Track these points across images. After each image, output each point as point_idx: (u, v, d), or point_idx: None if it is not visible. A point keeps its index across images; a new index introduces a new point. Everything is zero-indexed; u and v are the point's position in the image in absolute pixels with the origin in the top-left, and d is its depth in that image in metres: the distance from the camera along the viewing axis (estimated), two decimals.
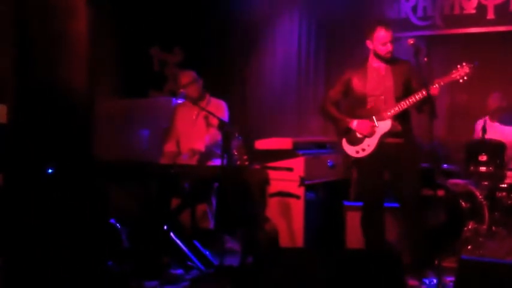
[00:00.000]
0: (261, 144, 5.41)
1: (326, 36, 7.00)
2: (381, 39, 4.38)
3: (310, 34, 7.04)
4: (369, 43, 4.46)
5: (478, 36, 6.29)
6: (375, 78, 4.45)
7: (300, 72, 7.05)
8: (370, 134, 4.39)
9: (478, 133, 5.46)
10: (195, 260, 4.70)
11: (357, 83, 4.47)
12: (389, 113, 4.36)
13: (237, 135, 4.62)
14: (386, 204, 4.73)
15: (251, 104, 7.26)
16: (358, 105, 4.48)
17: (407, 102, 4.30)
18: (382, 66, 4.45)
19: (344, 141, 4.54)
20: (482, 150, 5.09)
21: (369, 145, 4.42)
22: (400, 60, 4.51)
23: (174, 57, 7.35)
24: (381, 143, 4.40)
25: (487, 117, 5.67)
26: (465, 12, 6.36)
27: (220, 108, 5.11)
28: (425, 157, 4.69)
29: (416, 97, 4.26)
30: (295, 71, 7.07)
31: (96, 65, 5.31)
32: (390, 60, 4.44)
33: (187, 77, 5.17)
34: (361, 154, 4.45)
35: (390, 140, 4.41)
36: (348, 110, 4.58)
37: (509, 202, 5.15)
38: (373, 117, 4.40)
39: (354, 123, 4.44)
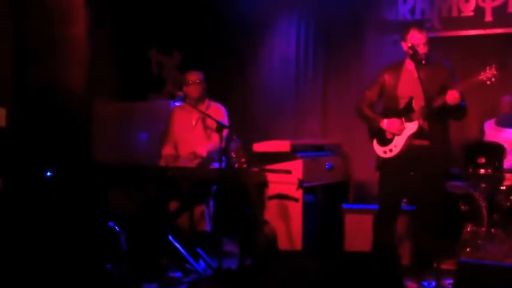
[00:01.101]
0: (259, 146, 5.40)
1: (324, 39, 7.02)
2: (414, 41, 4.34)
3: (309, 37, 7.05)
4: (403, 44, 4.42)
5: (476, 39, 6.30)
6: (407, 80, 4.42)
7: (298, 75, 7.06)
8: (400, 132, 4.38)
9: (488, 135, 5.47)
10: (193, 262, 4.70)
11: (389, 83, 4.48)
12: (417, 114, 4.34)
13: (235, 138, 4.63)
14: None
15: (249, 107, 7.26)
16: (390, 106, 4.48)
17: (441, 100, 4.22)
18: (417, 67, 4.37)
19: (375, 141, 4.53)
20: (481, 153, 5.09)
21: (396, 146, 4.41)
22: (437, 62, 4.49)
23: (173, 59, 7.35)
24: (408, 145, 4.39)
25: (489, 121, 5.67)
26: (463, 14, 6.38)
27: (219, 112, 5.08)
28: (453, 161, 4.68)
29: (441, 100, 4.22)
30: (293, 73, 7.08)
31: (94, 67, 5.31)
32: (427, 62, 4.37)
33: (193, 75, 5.14)
34: (389, 155, 4.43)
35: (417, 141, 4.39)
36: (382, 110, 4.58)
37: (508, 204, 5.15)
38: (403, 118, 4.40)
39: (384, 123, 4.44)
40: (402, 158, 4.40)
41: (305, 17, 7.08)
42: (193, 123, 5.11)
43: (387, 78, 4.51)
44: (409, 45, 4.32)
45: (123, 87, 6.86)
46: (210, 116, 4.82)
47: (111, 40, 6.45)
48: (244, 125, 7.00)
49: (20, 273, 4.10)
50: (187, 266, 4.69)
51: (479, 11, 6.30)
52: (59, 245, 4.35)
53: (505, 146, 5.24)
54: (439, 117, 4.34)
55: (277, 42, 7.19)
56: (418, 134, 4.37)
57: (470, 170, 5.14)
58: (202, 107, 5.03)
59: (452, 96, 4.16)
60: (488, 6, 6.27)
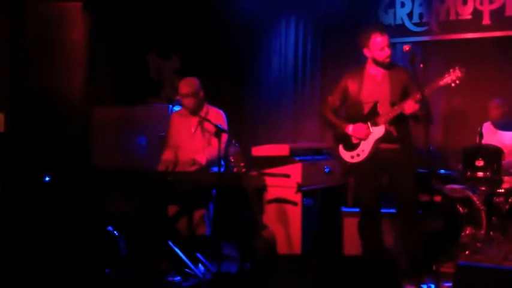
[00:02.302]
0: (258, 150, 5.41)
1: (322, 44, 7.03)
2: (377, 45, 4.39)
3: (307, 41, 7.06)
4: (366, 51, 4.47)
5: (474, 42, 6.30)
6: (370, 85, 4.46)
7: (297, 79, 7.07)
8: (366, 137, 4.40)
9: (486, 138, 5.47)
10: (192, 267, 4.69)
11: (353, 89, 4.50)
12: (382, 119, 4.38)
13: (234, 142, 4.63)
14: (383, 210, 4.75)
15: (248, 111, 7.27)
16: (354, 111, 4.50)
17: (399, 107, 4.31)
18: (379, 72, 4.46)
19: (341, 147, 4.56)
20: (479, 156, 5.09)
21: (363, 150, 4.44)
22: (397, 66, 4.52)
23: (171, 63, 7.35)
24: (376, 149, 4.41)
25: (486, 123, 5.68)
26: (461, 17, 6.38)
27: (219, 118, 5.03)
28: (422, 162, 4.69)
29: (406, 103, 4.27)
30: (291, 77, 7.08)
31: (92, 72, 5.33)
32: (388, 66, 4.45)
33: (185, 87, 4.99)
34: (356, 159, 4.46)
35: (385, 145, 4.42)
36: (346, 116, 4.59)
37: (507, 207, 5.14)
38: (368, 122, 4.42)
39: (350, 128, 4.46)
40: (371, 161, 4.43)
41: (303, 22, 7.08)
42: (193, 130, 5.06)
43: (350, 83, 4.53)
44: (388, 53, 4.38)
45: (121, 92, 6.87)
46: (209, 121, 4.81)
47: (109, 44, 6.46)
48: (242, 129, 7.00)
49: (19, 278, 4.10)
50: (187, 270, 4.67)
51: (477, 14, 6.30)
52: (58, 250, 4.36)
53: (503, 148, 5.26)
54: (403, 120, 4.39)
55: (275, 46, 7.20)
56: (386, 138, 4.40)
57: (469, 173, 5.14)
58: (201, 113, 4.99)
59: (409, 106, 4.23)
60: (486, 10, 6.27)
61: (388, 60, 4.41)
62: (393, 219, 5.07)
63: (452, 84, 4.21)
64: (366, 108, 4.44)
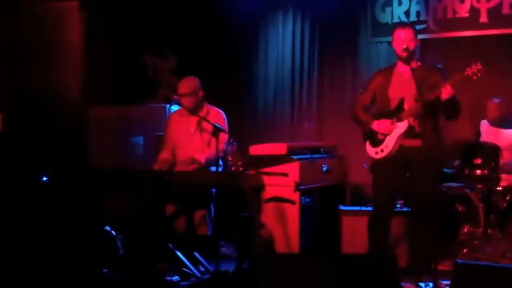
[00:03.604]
0: (256, 149, 5.40)
1: (320, 41, 7.02)
2: (396, 38, 4.46)
3: (304, 40, 7.05)
4: (393, 45, 4.53)
5: (472, 40, 6.30)
6: (398, 81, 4.48)
7: (295, 77, 7.06)
8: (389, 132, 4.41)
9: (483, 136, 5.48)
10: (191, 266, 4.69)
11: (381, 86, 4.54)
12: (406, 114, 4.38)
13: (231, 141, 4.63)
14: None
15: (246, 109, 7.26)
16: (382, 108, 4.53)
17: (422, 102, 4.28)
18: (407, 69, 4.43)
19: (368, 143, 4.56)
20: (477, 154, 5.09)
21: (386, 146, 4.44)
22: (430, 66, 4.56)
23: (168, 63, 7.34)
24: (399, 145, 4.42)
25: (484, 121, 5.68)
26: (458, 15, 6.38)
27: (219, 118, 5.01)
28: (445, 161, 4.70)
29: (429, 97, 4.27)
30: (289, 76, 7.07)
31: (89, 72, 5.30)
32: (420, 65, 4.40)
33: (183, 87, 4.98)
34: (380, 155, 4.46)
35: (408, 141, 4.41)
36: (375, 112, 4.61)
37: (504, 205, 5.15)
38: (393, 118, 4.43)
39: (375, 124, 4.48)
40: (394, 159, 4.42)
41: (301, 21, 7.08)
42: (192, 130, 5.04)
43: (379, 81, 4.57)
44: (404, 46, 4.38)
45: (118, 91, 6.86)
46: (207, 121, 4.79)
47: (106, 44, 6.45)
48: (240, 128, 6.99)
49: (17, 278, 4.10)
50: (185, 269, 4.67)
51: (474, 12, 6.30)
52: (56, 250, 4.34)
53: (500, 146, 5.26)
54: (430, 116, 4.38)
55: (273, 45, 7.19)
56: (409, 134, 4.40)
57: (467, 171, 5.14)
58: (202, 113, 4.96)
59: (445, 89, 4.20)
60: (483, 8, 6.27)
61: (404, 54, 4.40)
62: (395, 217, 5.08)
63: (474, 77, 4.23)
64: (393, 105, 4.47)
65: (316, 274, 3.52)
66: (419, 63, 4.38)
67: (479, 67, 4.20)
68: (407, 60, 4.43)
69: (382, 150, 4.46)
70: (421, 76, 4.31)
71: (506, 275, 3.34)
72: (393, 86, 4.50)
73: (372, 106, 4.64)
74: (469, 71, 4.22)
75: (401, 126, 4.40)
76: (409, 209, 4.66)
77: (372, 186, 4.57)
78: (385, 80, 4.54)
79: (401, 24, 4.62)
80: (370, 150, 4.53)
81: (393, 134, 4.42)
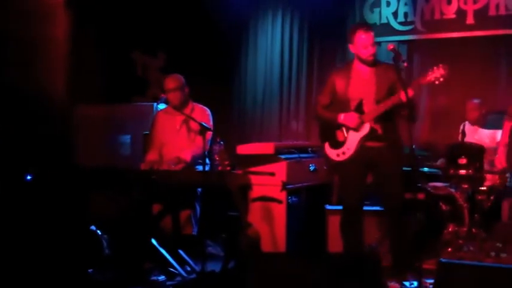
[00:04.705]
0: (243, 149, 5.40)
1: (308, 42, 7.06)
2: (361, 42, 4.41)
3: (293, 40, 7.09)
4: (351, 47, 4.49)
5: (458, 41, 6.36)
6: (357, 82, 4.47)
7: (283, 77, 7.09)
8: (357, 127, 4.40)
9: (467, 136, 5.50)
10: (177, 266, 4.68)
11: (340, 86, 4.51)
12: (367, 117, 4.39)
13: (218, 140, 4.63)
14: (367, 208, 4.77)
15: (234, 109, 7.28)
16: (342, 109, 4.50)
17: (384, 105, 4.33)
18: (366, 69, 4.47)
19: (326, 145, 4.57)
20: (462, 154, 5.11)
21: (348, 148, 4.45)
22: (385, 64, 4.53)
23: (157, 61, 7.33)
24: (361, 147, 4.43)
25: (467, 121, 5.72)
26: (445, 17, 6.43)
27: (204, 115, 5.04)
28: (406, 160, 4.71)
29: (392, 101, 4.30)
30: (278, 75, 7.10)
31: (76, 69, 5.29)
32: (375, 64, 4.46)
33: (171, 82, 5.03)
34: (342, 157, 4.48)
35: (370, 143, 4.43)
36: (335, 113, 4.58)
37: (489, 204, 5.18)
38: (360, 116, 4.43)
39: (342, 117, 4.46)
40: (357, 160, 4.44)
41: (289, 21, 7.11)
42: (178, 127, 5.06)
43: (337, 80, 4.54)
44: (372, 52, 4.39)
45: (106, 90, 6.83)
46: (193, 119, 4.81)
47: (93, 41, 6.41)
48: (228, 128, 7.01)
49: (1, 278, 4.07)
50: (171, 269, 4.66)
51: (461, 13, 6.35)
52: (40, 249, 4.33)
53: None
54: (389, 118, 4.41)
55: (261, 44, 7.22)
56: (371, 136, 4.41)
57: (452, 170, 5.15)
58: (187, 110, 4.99)
59: (410, 93, 4.20)
60: (469, 9, 6.32)
61: (371, 58, 4.42)
62: (377, 217, 5.12)
63: (436, 82, 4.23)
64: (352, 105, 4.46)
65: (303, 273, 3.54)
66: (380, 65, 4.43)
67: (442, 72, 4.20)
68: (370, 62, 4.44)
69: (343, 153, 4.47)
70: (381, 76, 4.36)
71: (489, 274, 3.37)
72: (352, 86, 4.48)
73: (331, 106, 4.61)
74: (430, 76, 4.23)
75: (363, 130, 4.41)
76: (383, 209, 4.66)
77: (338, 189, 4.60)
78: (343, 80, 4.51)
79: (364, 27, 4.50)
80: (331, 152, 4.54)
81: (355, 136, 4.43)
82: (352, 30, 4.50)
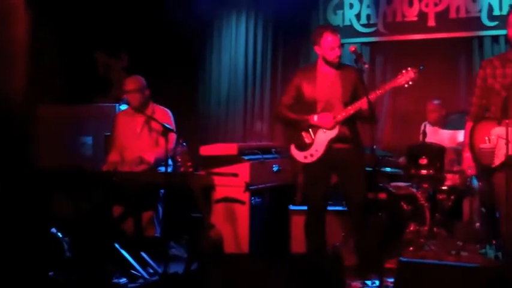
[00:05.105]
0: (206, 150, 5.38)
1: (272, 43, 7.07)
2: (328, 44, 4.41)
3: (257, 41, 7.09)
4: (317, 49, 4.49)
5: (420, 43, 6.44)
6: (323, 84, 4.47)
7: (247, 78, 7.08)
8: (332, 127, 4.40)
9: (429, 136, 5.57)
10: (139, 268, 4.64)
11: (306, 88, 4.49)
12: (335, 119, 4.39)
13: (181, 141, 4.61)
14: (330, 208, 4.80)
15: (198, 110, 7.25)
16: (308, 111, 4.49)
17: (353, 108, 4.33)
18: (331, 71, 4.48)
19: (293, 147, 4.55)
20: (423, 154, 5.19)
21: (316, 150, 4.44)
22: (348, 66, 4.56)
23: (120, 62, 7.25)
24: (329, 149, 4.43)
25: (427, 122, 5.80)
26: (407, 19, 6.51)
27: (166, 117, 5.00)
28: (368, 161, 4.75)
29: (361, 103, 4.30)
30: (242, 76, 7.09)
31: (36, 70, 5.21)
32: (339, 66, 4.47)
33: (130, 84, 4.98)
34: (310, 159, 4.46)
35: (338, 145, 4.43)
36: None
37: (449, 204, 5.27)
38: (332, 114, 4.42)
39: (315, 118, 4.43)
40: (324, 161, 4.44)
41: (254, 22, 7.11)
42: (138, 130, 5.01)
43: (303, 81, 4.52)
44: (338, 54, 4.41)
45: (68, 90, 6.74)
46: (155, 120, 4.77)
47: (54, 42, 6.32)
48: (192, 129, 6.97)
49: None
50: (133, 271, 4.62)
51: (422, 16, 6.44)
52: (1, 252, 4.26)
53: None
54: (353, 120, 4.44)
55: (226, 45, 7.20)
56: (339, 139, 4.42)
57: (413, 170, 5.23)
58: (147, 112, 4.94)
59: (365, 101, 4.22)
60: (431, 12, 6.41)
61: (337, 60, 4.44)
62: (340, 216, 5.15)
63: (406, 85, 4.24)
64: (319, 107, 4.45)
65: (265, 274, 3.54)
66: (344, 67, 4.45)
67: (412, 76, 4.21)
68: (335, 65, 4.46)
69: (311, 155, 4.46)
70: (345, 78, 4.38)
71: (448, 272, 3.41)
72: (318, 88, 4.47)
73: (295, 107, 4.58)
74: (400, 79, 4.23)
75: (331, 132, 4.41)
76: (347, 209, 4.69)
77: (303, 189, 4.61)
78: (309, 81, 4.50)
79: (331, 29, 4.51)
80: (297, 154, 4.52)
81: (323, 139, 4.43)
82: (318, 32, 4.50)
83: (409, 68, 4.26)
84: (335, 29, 4.55)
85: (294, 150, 4.54)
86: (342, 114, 4.37)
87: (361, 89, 4.37)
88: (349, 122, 4.41)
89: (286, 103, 4.60)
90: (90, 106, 6.30)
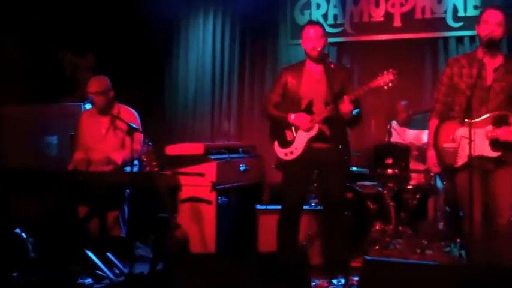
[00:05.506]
0: (173, 149, 5.36)
1: (240, 42, 7.06)
2: (306, 36, 4.43)
3: (224, 40, 7.07)
4: (301, 43, 4.51)
5: (386, 43, 6.49)
6: (308, 81, 4.45)
7: (215, 78, 7.06)
8: (308, 128, 4.39)
9: (394, 136, 5.63)
10: (104, 268, 4.60)
11: (292, 84, 4.49)
12: (316, 118, 4.37)
13: (146, 141, 4.57)
14: None
15: (166, 109, 7.21)
16: (293, 108, 4.48)
17: (333, 107, 4.23)
18: (317, 69, 4.44)
19: (276, 143, 4.54)
20: (389, 153, 5.24)
21: (296, 148, 4.43)
22: (338, 65, 4.58)
23: (86, 61, 7.19)
24: (308, 148, 4.42)
25: (394, 121, 5.85)
26: (373, 19, 6.56)
27: (131, 117, 4.97)
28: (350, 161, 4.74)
29: (330, 110, 4.27)
30: (209, 76, 7.07)
31: (0, 69, 5.12)
32: (326, 64, 4.37)
33: (93, 86, 4.94)
34: (290, 157, 4.45)
35: (317, 145, 4.42)
36: (285, 112, 4.53)
37: (415, 203, 5.33)
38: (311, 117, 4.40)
39: (292, 117, 4.43)
40: (303, 160, 4.44)
41: (221, 22, 7.09)
42: (104, 131, 4.99)
43: (289, 78, 4.52)
44: (312, 45, 4.37)
45: (33, 90, 6.66)
46: (121, 119, 4.73)
47: (18, 41, 6.24)
48: (160, 128, 6.94)
49: None
50: (98, 272, 4.57)
51: (388, 16, 6.49)
52: None
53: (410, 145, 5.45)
54: (337, 120, 4.35)
55: (193, 45, 7.18)
56: (319, 138, 4.41)
57: (379, 170, 5.28)
58: (113, 112, 4.91)
59: (345, 106, 4.21)
60: (397, 12, 6.48)
61: (315, 52, 4.37)
62: (306, 215, 5.15)
63: (385, 87, 4.18)
64: (303, 105, 4.44)
65: (232, 273, 3.53)
66: (331, 65, 4.39)
67: (392, 78, 4.17)
68: (317, 60, 4.42)
69: (291, 153, 4.45)
70: (332, 77, 4.30)
71: (413, 270, 3.44)
72: (303, 85, 4.46)
73: (282, 104, 4.58)
74: (380, 81, 4.19)
75: (312, 130, 4.40)
76: (322, 208, 4.71)
77: (281, 187, 4.60)
78: (294, 78, 4.50)
79: (311, 22, 4.62)
80: (279, 150, 4.52)
81: (303, 137, 4.42)
82: (303, 27, 4.55)
83: (390, 70, 4.20)
84: (317, 23, 4.61)
85: (276, 147, 4.54)
86: (319, 116, 4.36)
87: (350, 89, 4.37)
88: (331, 121, 4.35)
89: (272, 100, 4.59)
90: (55, 106, 6.24)
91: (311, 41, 4.41)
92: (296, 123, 4.43)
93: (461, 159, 3.88)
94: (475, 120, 3.82)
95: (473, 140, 3.69)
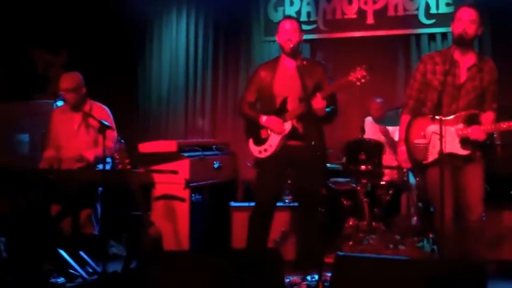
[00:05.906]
0: (145, 147, 5.33)
1: (214, 39, 7.05)
2: (282, 29, 4.38)
3: (198, 38, 7.06)
4: (277, 37, 4.46)
5: (359, 40, 6.54)
6: (282, 78, 4.40)
7: (188, 75, 7.05)
8: (279, 130, 4.35)
9: (368, 133, 5.66)
10: (77, 267, 4.56)
11: (266, 81, 4.44)
12: (289, 115, 4.34)
13: (119, 138, 4.55)
14: None
15: (139, 106, 7.18)
16: (267, 105, 4.45)
17: (306, 104, 4.19)
18: (291, 65, 4.37)
19: (251, 141, 4.50)
20: (362, 150, 5.27)
21: (270, 145, 4.39)
22: (314, 61, 4.54)
23: (59, 58, 7.12)
24: (283, 145, 4.38)
25: (368, 118, 5.89)
26: (346, 16, 6.62)
27: (104, 114, 4.94)
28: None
29: (302, 107, 4.25)
30: (183, 72, 7.06)
31: None
32: (300, 60, 4.34)
33: (65, 83, 4.90)
34: (264, 154, 4.41)
35: (291, 142, 4.38)
36: (261, 109, 4.52)
37: (388, 198, 5.36)
38: (282, 118, 4.37)
39: (263, 119, 4.39)
40: (278, 157, 4.41)
41: (194, 19, 7.08)
42: (76, 128, 4.95)
43: (263, 75, 4.47)
44: (287, 37, 4.32)
45: (4, 88, 6.58)
46: (92, 116, 4.70)
47: None
48: (133, 126, 6.91)
49: None
50: (71, 271, 4.54)
51: (361, 13, 6.55)
52: None
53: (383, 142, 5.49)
54: (312, 117, 4.28)
55: (166, 43, 7.15)
56: (292, 135, 4.37)
57: (352, 166, 5.30)
58: (85, 109, 4.88)
59: (317, 102, 4.16)
60: (369, 9, 6.53)
61: (289, 44, 4.30)
62: (279, 212, 5.16)
63: (357, 83, 4.11)
64: (277, 102, 4.40)
65: (205, 270, 3.53)
66: (304, 62, 4.33)
67: (364, 73, 4.10)
68: (291, 54, 4.36)
69: (265, 150, 4.42)
70: (306, 74, 4.25)
71: (385, 265, 3.46)
72: (277, 82, 4.41)
73: (258, 102, 4.55)
74: (352, 77, 4.11)
75: (285, 127, 4.36)
76: (297, 205, 4.72)
77: (254, 184, 4.58)
78: (269, 75, 4.44)
79: (287, 16, 4.61)
80: (254, 148, 4.48)
81: (276, 135, 4.39)
82: (279, 22, 4.50)
83: (363, 65, 4.13)
84: (293, 18, 4.58)
85: (251, 144, 4.50)
86: (293, 113, 4.32)
87: (326, 85, 4.30)
88: (307, 119, 4.29)
89: (248, 99, 4.54)
90: (27, 103, 6.18)
91: (286, 33, 4.35)
92: (268, 126, 4.40)
93: (432, 156, 3.93)
94: (446, 118, 3.86)
95: (443, 136, 3.72)
